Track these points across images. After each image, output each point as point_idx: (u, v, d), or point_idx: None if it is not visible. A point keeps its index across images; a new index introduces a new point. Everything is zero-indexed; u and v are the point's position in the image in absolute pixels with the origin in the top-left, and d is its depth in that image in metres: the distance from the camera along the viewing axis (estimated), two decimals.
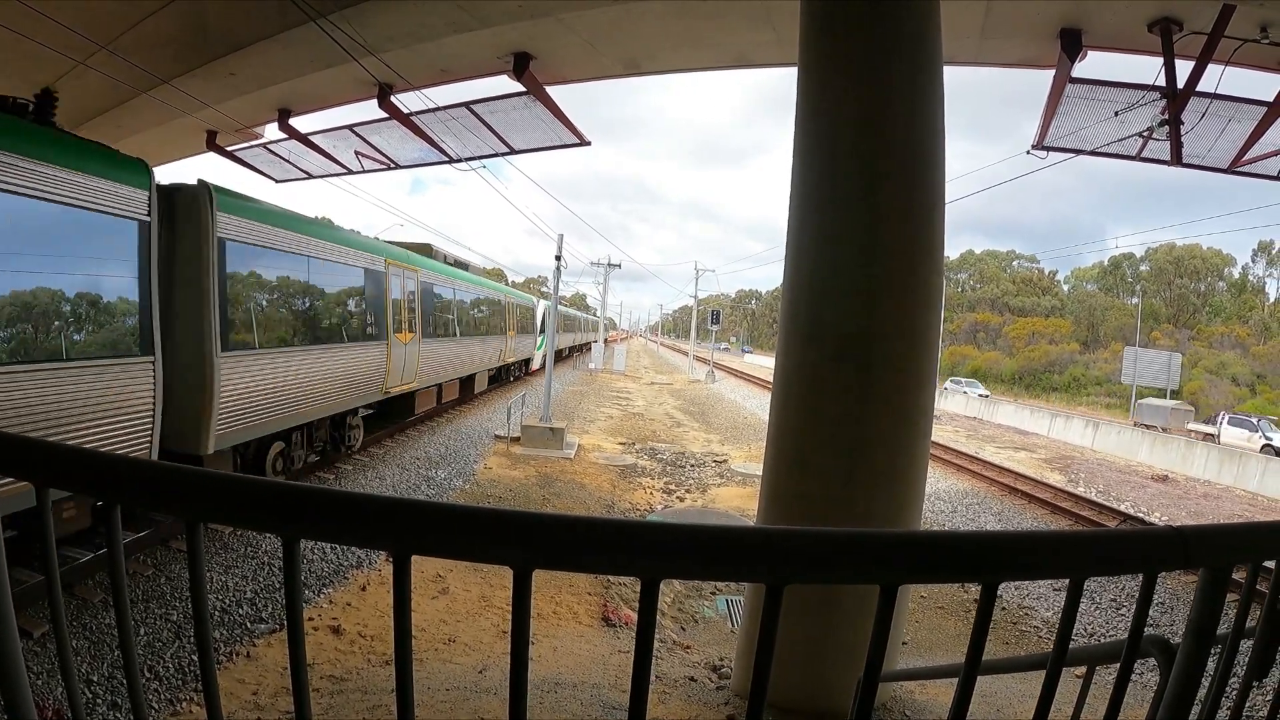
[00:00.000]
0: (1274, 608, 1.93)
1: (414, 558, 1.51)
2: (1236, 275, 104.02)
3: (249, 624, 10.73)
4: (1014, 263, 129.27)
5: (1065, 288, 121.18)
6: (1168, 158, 12.99)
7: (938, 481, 26.60)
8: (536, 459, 24.14)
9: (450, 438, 26.66)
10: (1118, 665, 1.88)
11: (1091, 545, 1.71)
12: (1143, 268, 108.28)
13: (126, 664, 1.81)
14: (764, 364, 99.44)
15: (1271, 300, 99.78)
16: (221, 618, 10.81)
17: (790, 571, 1.52)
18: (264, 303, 14.93)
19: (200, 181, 12.89)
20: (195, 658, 9.42)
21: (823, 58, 7.80)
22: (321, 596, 11.92)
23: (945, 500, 23.53)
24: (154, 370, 11.44)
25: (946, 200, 7.75)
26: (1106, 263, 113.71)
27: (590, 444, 28.75)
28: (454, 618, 11.41)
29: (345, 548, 12.88)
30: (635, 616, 11.65)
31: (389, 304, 21.42)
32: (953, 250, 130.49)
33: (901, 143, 7.47)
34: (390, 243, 25.06)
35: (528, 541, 1.48)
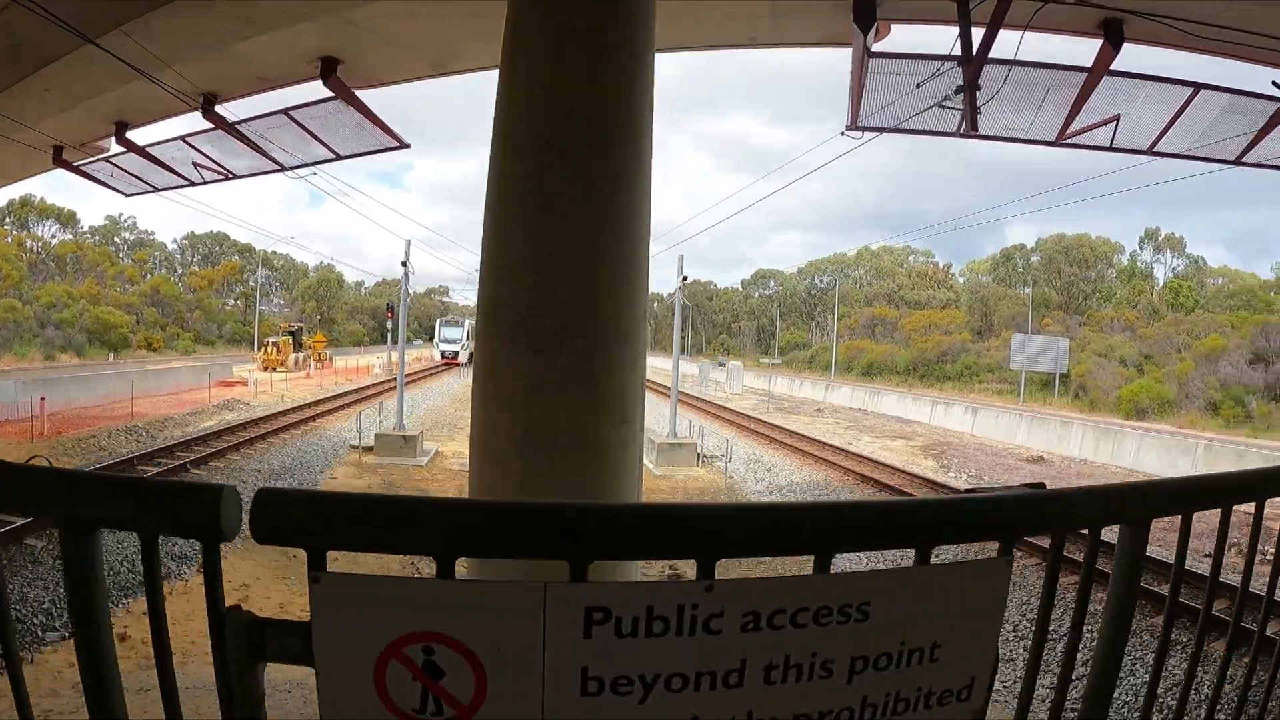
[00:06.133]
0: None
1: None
2: (1125, 262, 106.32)
3: (40, 631, 10.77)
4: (910, 257, 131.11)
5: (961, 280, 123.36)
6: (990, 132, 13.02)
7: (793, 474, 27.15)
8: (386, 468, 24.21)
9: (302, 449, 26.70)
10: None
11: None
12: (1034, 258, 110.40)
13: None
14: (656, 365, 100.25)
15: (1160, 285, 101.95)
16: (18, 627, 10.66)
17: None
18: None
19: None
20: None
21: (514, 37, 7.74)
22: (120, 606, 11.83)
23: (796, 493, 24.08)
24: None
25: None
26: (999, 254, 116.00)
27: (451, 450, 28.88)
28: None
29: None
30: None
31: None
32: (849, 246, 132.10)
33: (582, 121, 7.36)
34: None
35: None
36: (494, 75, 7.92)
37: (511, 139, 7.66)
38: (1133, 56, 11.39)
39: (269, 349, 69.75)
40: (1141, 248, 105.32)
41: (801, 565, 1.92)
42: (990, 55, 10.91)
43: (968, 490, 1.97)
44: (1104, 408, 69.04)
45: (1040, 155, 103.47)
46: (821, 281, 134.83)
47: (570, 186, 7.34)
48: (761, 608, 1.74)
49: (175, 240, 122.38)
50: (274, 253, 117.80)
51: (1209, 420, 63.44)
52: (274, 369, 62.32)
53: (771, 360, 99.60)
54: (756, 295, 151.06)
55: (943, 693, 1.91)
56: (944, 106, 11.75)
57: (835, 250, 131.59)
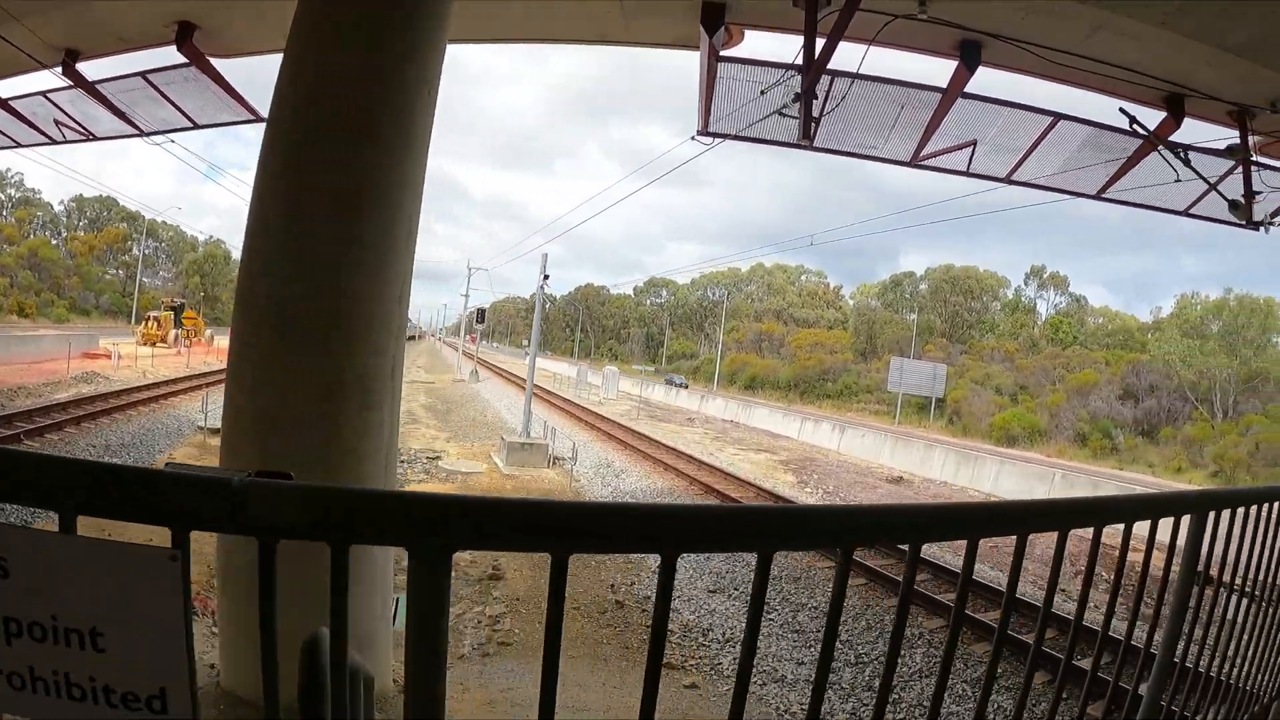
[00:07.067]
0: None
1: None
2: (1010, 296, 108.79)
3: None
4: (802, 276, 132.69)
5: (851, 302, 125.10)
6: (843, 147, 12.98)
7: (639, 480, 27.44)
8: None
9: (148, 426, 26.07)
10: None
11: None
12: (922, 286, 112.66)
13: None
14: (549, 367, 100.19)
15: (1042, 320, 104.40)
16: None
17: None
18: None
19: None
20: None
21: (296, 19, 7.81)
22: None
23: (637, 498, 23.86)
24: None
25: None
26: (888, 279, 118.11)
27: None
28: None
29: None
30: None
31: None
32: (745, 262, 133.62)
33: (346, 107, 7.36)
34: None
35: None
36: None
37: (277, 119, 7.62)
38: (993, 86, 11.40)
39: (149, 323, 68.35)
40: (1026, 283, 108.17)
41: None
42: (838, 69, 10.80)
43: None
44: (977, 433, 70.63)
45: (937, 186, 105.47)
46: (714, 294, 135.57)
47: (326, 171, 7.28)
48: None
49: (62, 201, 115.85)
50: (163, 223, 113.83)
51: (1077, 451, 65.38)
52: (154, 344, 61.32)
53: (643, 368, 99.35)
54: (648, 303, 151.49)
55: (125, 695, 1.67)
56: (782, 115, 11.59)
57: (730, 264, 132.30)
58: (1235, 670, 4.52)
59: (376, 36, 7.35)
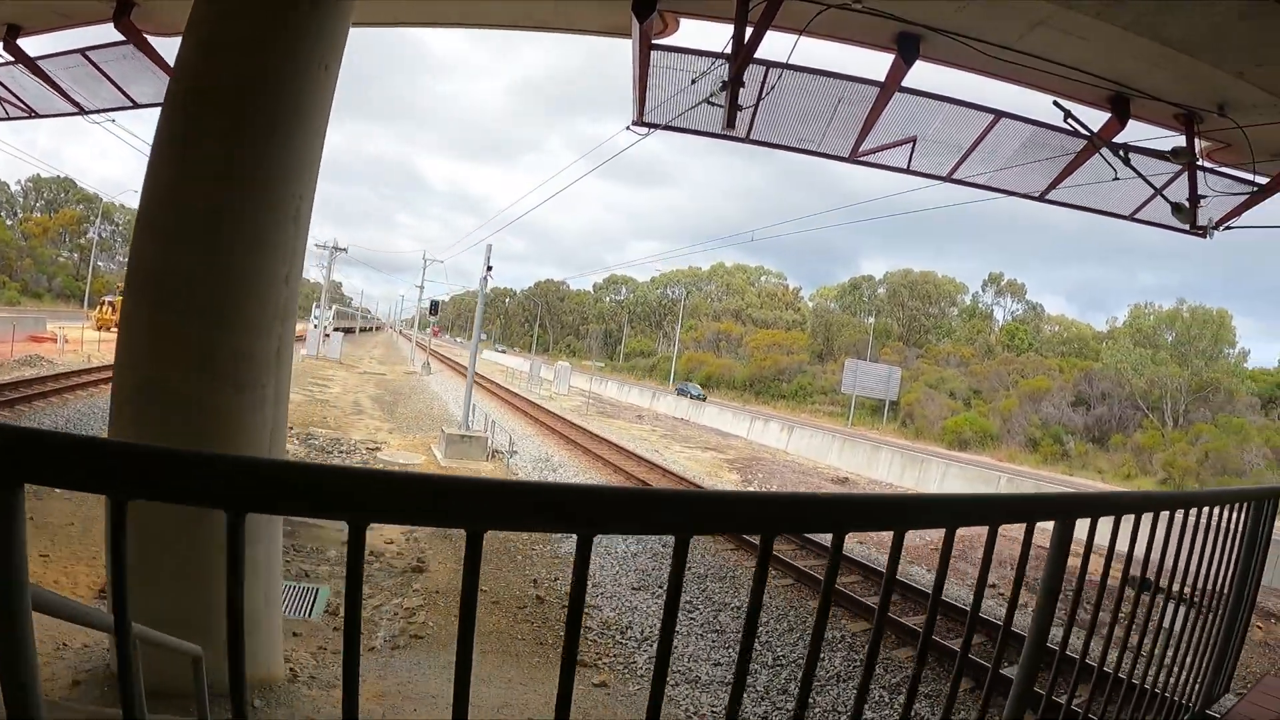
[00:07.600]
0: None
1: None
2: (968, 302, 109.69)
3: None
4: (762, 278, 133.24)
5: (810, 304, 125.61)
6: (779, 140, 12.81)
7: (575, 475, 27.74)
8: None
9: (84, 410, 25.94)
10: None
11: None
12: (880, 290, 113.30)
13: None
14: (505, 362, 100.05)
15: (999, 326, 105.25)
16: None
17: None
18: None
19: None
20: None
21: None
22: None
23: None
24: None
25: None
26: (847, 283, 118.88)
27: None
28: None
29: None
30: None
31: None
32: (705, 261, 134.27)
33: (233, 81, 7.20)
34: None
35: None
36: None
37: (173, 89, 7.46)
38: (935, 84, 11.23)
39: (104, 308, 67.74)
40: (984, 290, 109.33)
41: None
42: (771, 59, 10.63)
43: None
44: (930, 437, 71.09)
45: (895, 186, 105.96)
46: (674, 292, 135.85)
47: (209, 143, 7.15)
48: None
49: (19, 182, 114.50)
50: (120, 206, 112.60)
51: (1027, 455, 65.90)
52: (108, 328, 60.91)
53: (595, 364, 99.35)
54: (608, 300, 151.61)
55: None
56: (710, 103, 11.37)
57: (690, 263, 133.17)
58: (1168, 680, 4.46)
59: (268, 7, 7.15)
